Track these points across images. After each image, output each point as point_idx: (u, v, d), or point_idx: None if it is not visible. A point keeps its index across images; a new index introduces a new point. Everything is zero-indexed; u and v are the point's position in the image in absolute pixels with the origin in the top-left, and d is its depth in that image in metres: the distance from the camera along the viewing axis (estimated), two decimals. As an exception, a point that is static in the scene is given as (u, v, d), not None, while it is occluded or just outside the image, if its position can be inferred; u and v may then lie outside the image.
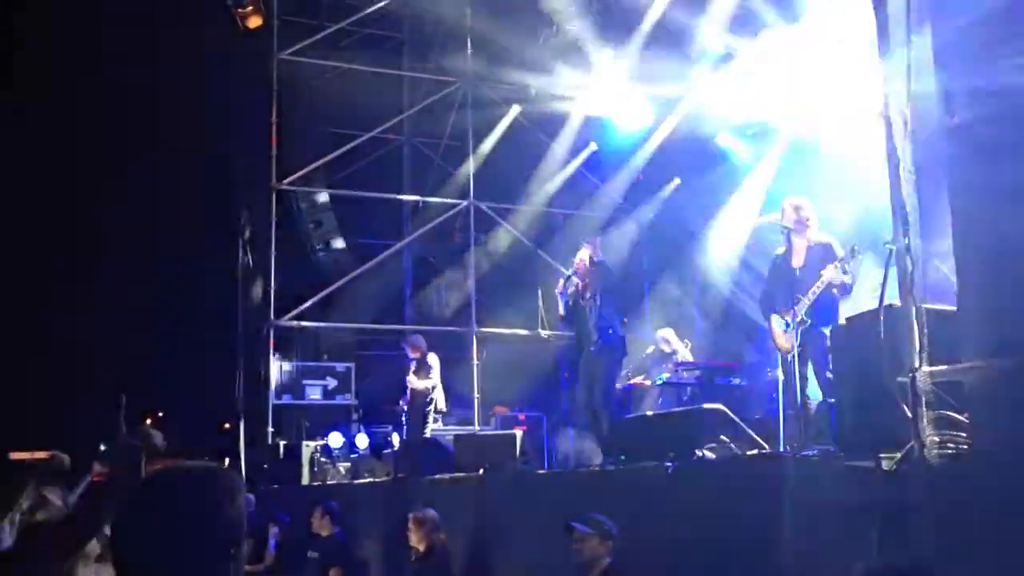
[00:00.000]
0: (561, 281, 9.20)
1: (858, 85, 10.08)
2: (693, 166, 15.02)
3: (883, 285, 4.25)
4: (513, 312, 15.03)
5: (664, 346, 11.71)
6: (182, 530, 1.87)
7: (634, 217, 16.20)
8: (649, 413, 8.85)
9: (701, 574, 5.30)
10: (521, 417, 13.09)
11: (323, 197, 15.96)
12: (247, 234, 15.32)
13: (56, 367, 17.57)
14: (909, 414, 3.98)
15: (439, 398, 11.87)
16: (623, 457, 7.00)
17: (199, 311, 17.39)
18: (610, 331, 8.70)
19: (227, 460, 14.70)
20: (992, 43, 3.89)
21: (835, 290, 7.06)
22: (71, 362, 17.38)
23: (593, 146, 16.03)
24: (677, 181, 15.61)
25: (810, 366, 7.06)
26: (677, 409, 9.02)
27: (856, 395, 4.72)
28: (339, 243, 16.31)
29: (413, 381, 11.74)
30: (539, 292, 14.02)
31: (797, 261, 7.25)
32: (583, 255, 9.04)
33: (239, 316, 15.20)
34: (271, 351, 13.99)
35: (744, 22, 12.63)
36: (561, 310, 9.15)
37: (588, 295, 8.82)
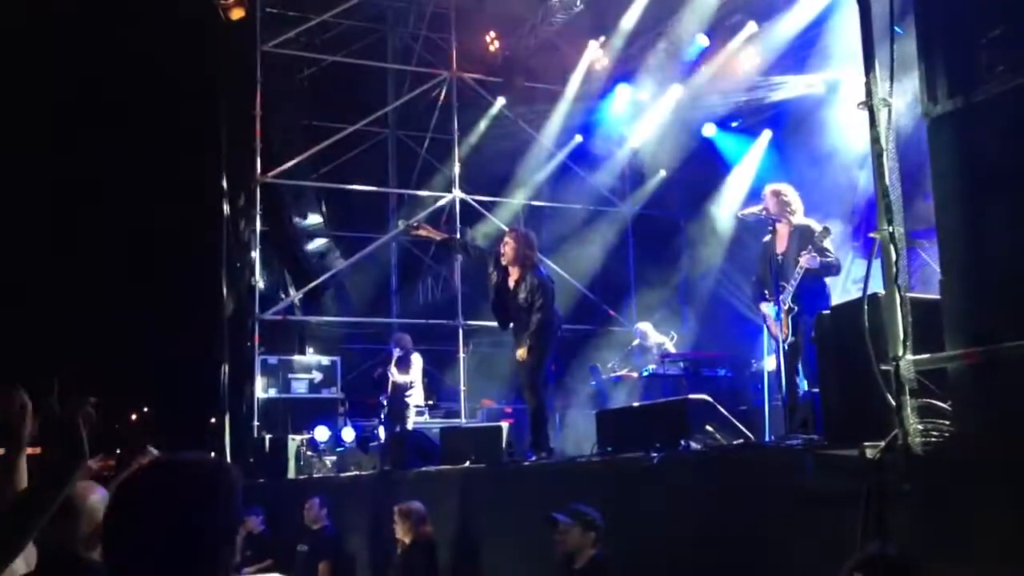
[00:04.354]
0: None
1: (842, 74, 10.12)
2: (678, 158, 15.02)
3: (867, 274, 4.25)
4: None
5: (643, 339, 11.77)
6: (171, 529, 1.80)
7: (619, 209, 16.21)
8: (635, 404, 8.84)
9: (687, 564, 5.30)
10: (507, 410, 13.08)
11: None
12: (231, 227, 15.24)
13: (38, 364, 17.46)
14: (893, 403, 3.98)
15: (417, 393, 11.94)
16: (609, 448, 7.00)
17: (183, 305, 17.31)
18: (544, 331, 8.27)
19: (212, 454, 14.65)
20: (976, 30, 3.88)
21: (818, 274, 7.03)
22: (55, 359, 17.28)
23: (578, 138, 16.03)
24: (662, 173, 15.62)
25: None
26: (663, 400, 9.04)
27: (841, 384, 4.72)
28: (323, 239, 16.31)
29: (394, 374, 11.80)
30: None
31: (780, 247, 7.24)
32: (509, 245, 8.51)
33: (224, 310, 15.13)
34: (256, 345, 13.94)
35: (729, 12, 12.66)
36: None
37: (522, 295, 8.30)
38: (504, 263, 8.48)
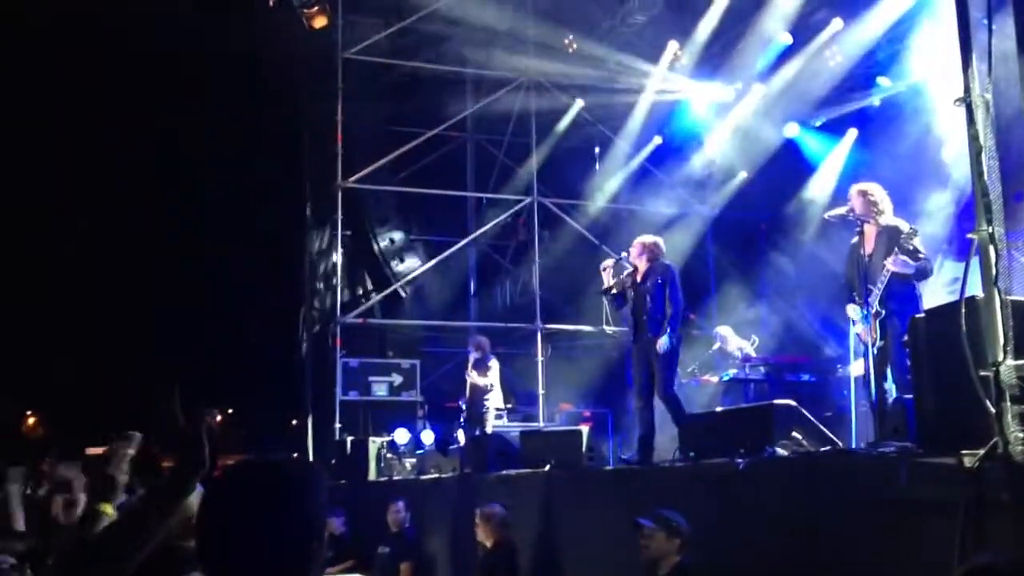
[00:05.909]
0: (611, 262, 8.91)
1: (937, 71, 9.85)
2: (760, 159, 14.77)
3: (964, 275, 4.11)
4: (578, 309, 14.96)
5: (723, 343, 11.61)
6: (262, 525, 1.84)
7: (700, 212, 16.00)
8: (719, 409, 8.71)
9: (774, 572, 5.19)
10: (586, 414, 13.05)
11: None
12: (313, 232, 15.50)
13: (127, 365, 17.96)
14: (992, 409, 3.84)
15: (496, 396, 11.99)
16: (692, 453, 6.90)
17: (267, 308, 17.63)
18: (664, 323, 8.22)
19: (295, 456, 14.87)
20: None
21: (908, 277, 6.81)
22: (142, 360, 17.74)
23: (658, 140, 15.88)
24: (744, 174, 15.36)
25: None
26: (748, 405, 8.89)
27: (936, 390, 4.56)
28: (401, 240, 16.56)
29: (473, 376, 11.90)
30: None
31: (868, 248, 7.04)
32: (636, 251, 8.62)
33: (306, 313, 15.38)
34: (338, 348, 14.13)
35: (813, 9, 12.42)
36: (611, 280, 8.69)
37: (648, 283, 8.40)
38: (631, 259, 8.56)
